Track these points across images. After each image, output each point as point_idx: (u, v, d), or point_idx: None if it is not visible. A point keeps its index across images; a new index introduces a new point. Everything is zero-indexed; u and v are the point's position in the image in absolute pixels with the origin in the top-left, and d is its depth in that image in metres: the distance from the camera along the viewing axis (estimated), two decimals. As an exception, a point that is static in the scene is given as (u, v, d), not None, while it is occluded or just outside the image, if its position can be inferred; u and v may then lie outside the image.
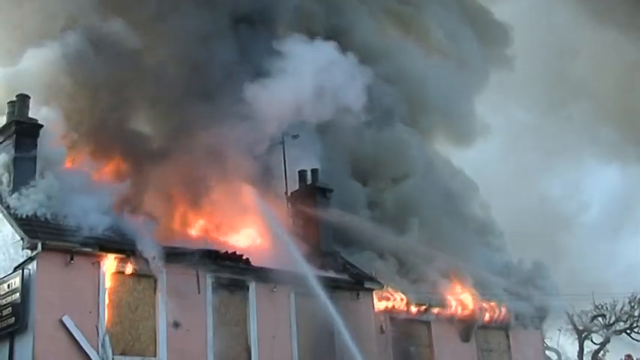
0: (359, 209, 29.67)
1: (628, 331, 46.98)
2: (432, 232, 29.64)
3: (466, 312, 28.54)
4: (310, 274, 23.26)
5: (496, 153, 45.15)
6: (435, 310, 27.89)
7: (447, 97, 34.76)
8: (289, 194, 27.06)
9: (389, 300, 26.65)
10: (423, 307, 27.52)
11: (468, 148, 36.88)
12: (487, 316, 28.87)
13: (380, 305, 26.25)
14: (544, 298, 30.65)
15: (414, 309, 27.31)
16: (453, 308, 28.34)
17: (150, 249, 20.99)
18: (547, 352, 32.83)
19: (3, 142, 21.80)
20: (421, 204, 30.68)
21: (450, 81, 35.26)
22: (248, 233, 24.60)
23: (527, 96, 46.14)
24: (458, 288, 28.58)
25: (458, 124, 35.66)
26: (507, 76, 38.00)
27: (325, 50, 26.32)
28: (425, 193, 31.04)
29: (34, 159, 21.39)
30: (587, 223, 57.02)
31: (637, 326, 46.93)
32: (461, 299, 28.54)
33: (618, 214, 60.51)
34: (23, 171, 21.20)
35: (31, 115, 21.88)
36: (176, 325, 20.88)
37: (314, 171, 26.65)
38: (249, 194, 23.93)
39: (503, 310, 29.40)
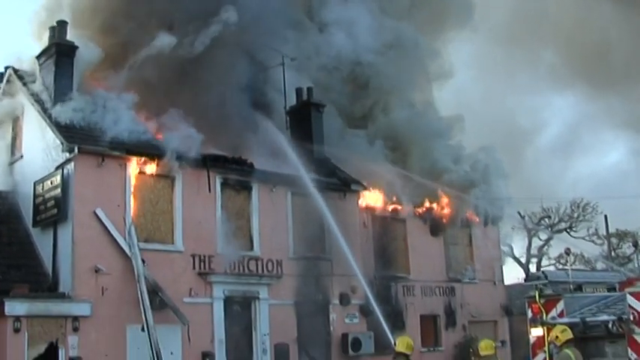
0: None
1: (568, 230, 49.35)
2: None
3: (436, 211, 28.73)
4: (305, 176, 23.35)
5: (467, 82, 44.88)
6: (409, 209, 27.93)
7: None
8: (288, 109, 26.88)
9: (371, 200, 26.76)
10: (399, 206, 27.56)
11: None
12: (454, 215, 28.90)
13: (363, 204, 26.38)
14: (496, 197, 30.48)
15: (391, 208, 27.45)
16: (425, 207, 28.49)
17: (168, 153, 21.08)
18: (501, 247, 33.32)
19: (45, 61, 21.84)
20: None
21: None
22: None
23: (495, 35, 45.92)
24: (429, 189, 28.26)
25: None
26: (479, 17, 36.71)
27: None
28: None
29: (71, 76, 21.41)
30: (544, 141, 58.45)
31: (575, 226, 49.24)
32: (431, 199, 28.60)
33: (570, 136, 61.96)
34: (62, 86, 21.26)
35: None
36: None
37: (309, 89, 26.49)
38: (255, 115, 23.72)
39: (468, 210, 29.44)
